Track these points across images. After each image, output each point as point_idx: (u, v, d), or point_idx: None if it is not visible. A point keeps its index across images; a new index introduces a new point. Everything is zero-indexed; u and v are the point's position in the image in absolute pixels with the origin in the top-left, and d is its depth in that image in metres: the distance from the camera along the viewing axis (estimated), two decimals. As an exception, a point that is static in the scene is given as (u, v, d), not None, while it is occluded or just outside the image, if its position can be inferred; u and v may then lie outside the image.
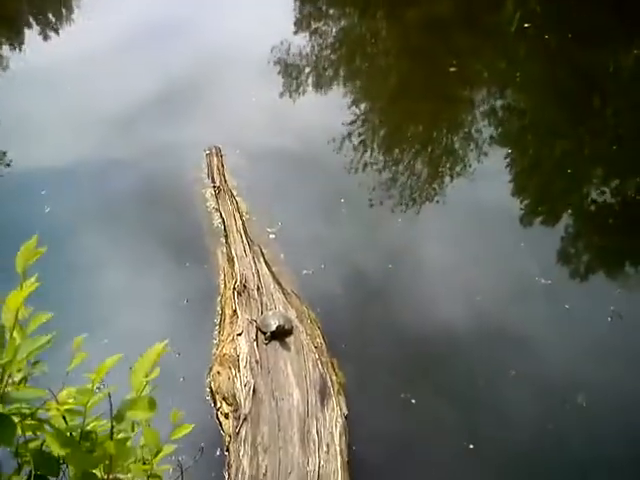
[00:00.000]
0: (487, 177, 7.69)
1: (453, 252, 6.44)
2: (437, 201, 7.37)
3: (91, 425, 1.35)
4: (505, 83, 10.45)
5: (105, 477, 1.35)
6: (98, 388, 1.39)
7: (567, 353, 5.31)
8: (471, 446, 4.50)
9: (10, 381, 1.37)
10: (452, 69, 10.04)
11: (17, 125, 8.19)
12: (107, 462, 1.33)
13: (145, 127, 8.32)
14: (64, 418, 1.32)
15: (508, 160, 8.29)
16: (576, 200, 7.67)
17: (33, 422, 1.47)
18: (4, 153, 7.62)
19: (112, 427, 1.30)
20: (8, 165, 7.48)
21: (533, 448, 4.56)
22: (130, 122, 8.37)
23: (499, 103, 9.86)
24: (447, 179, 7.83)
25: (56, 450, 1.31)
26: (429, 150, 8.70)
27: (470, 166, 7.98)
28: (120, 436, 1.32)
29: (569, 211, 7.38)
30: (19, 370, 1.50)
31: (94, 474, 1.33)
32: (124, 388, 1.42)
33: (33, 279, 1.14)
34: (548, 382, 5.01)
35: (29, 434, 1.50)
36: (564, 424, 4.71)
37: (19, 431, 1.47)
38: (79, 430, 1.32)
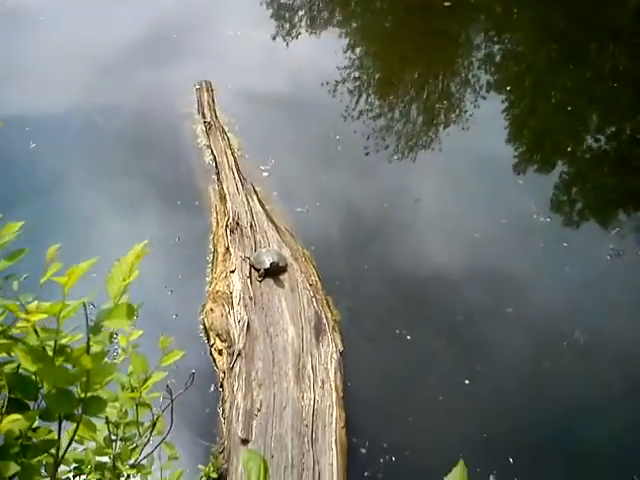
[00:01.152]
0: (485, 119, 7.53)
1: (451, 192, 6.31)
2: (435, 142, 7.20)
3: (66, 340, 1.24)
4: (501, 21, 10.17)
5: (82, 396, 1.24)
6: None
7: (565, 291, 5.25)
8: (467, 382, 4.46)
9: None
10: (446, 4, 9.75)
11: (4, 65, 7.94)
12: (84, 379, 1.21)
13: (134, 66, 8.08)
14: (35, 331, 1.20)
15: (506, 101, 8.09)
16: (575, 139, 7.50)
17: (5, 341, 1.36)
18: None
19: (88, 339, 1.18)
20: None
21: (529, 385, 4.52)
22: (119, 61, 8.14)
23: (495, 41, 9.61)
24: (445, 120, 7.65)
25: (27, 366, 1.19)
26: (425, 92, 8.47)
27: (467, 107, 7.80)
28: (98, 350, 1.20)
29: (568, 149, 7.24)
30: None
31: (70, 391, 1.22)
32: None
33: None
34: (546, 320, 4.95)
35: (3, 356, 1.39)
36: (561, 361, 4.67)
37: (-8, 352, 1.36)
38: (53, 344, 1.20)
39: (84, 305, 1.16)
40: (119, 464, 1.92)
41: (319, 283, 5.05)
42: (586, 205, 6.51)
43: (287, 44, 9.28)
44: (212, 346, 4.53)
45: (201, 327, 4.72)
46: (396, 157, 6.80)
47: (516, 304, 5.06)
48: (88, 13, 9.34)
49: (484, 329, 4.90)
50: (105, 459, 1.92)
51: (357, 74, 8.51)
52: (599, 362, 4.68)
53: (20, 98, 7.16)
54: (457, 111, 7.79)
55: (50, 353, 1.21)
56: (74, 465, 1.89)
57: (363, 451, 4.00)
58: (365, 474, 3.89)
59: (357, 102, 7.78)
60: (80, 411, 1.27)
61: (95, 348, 1.20)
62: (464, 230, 5.79)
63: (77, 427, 1.29)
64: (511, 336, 4.83)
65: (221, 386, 4.22)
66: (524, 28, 9.84)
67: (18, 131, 6.40)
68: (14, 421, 1.33)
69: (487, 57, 9.09)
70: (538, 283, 5.28)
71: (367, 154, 6.79)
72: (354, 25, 10.43)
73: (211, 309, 4.71)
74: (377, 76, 8.93)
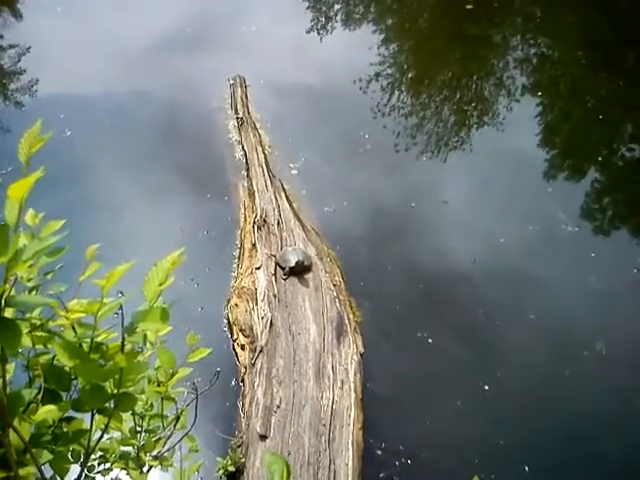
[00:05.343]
0: (515, 123, 7.47)
1: (478, 195, 6.30)
2: (465, 143, 7.18)
3: (102, 337, 1.30)
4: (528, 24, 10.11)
5: (115, 392, 1.30)
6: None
7: (590, 301, 5.23)
8: (486, 387, 4.47)
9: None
10: (468, 7, 9.72)
11: (42, 53, 8.12)
12: (117, 376, 1.27)
13: (168, 58, 8.17)
14: (73, 328, 1.26)
15: (537, 106, 8.01)
16: (607, 148, 7.41)
17: (43, 334, 1.42)
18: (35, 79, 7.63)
19: (123, 339, 1.24)
20: (34, 90, 7.47)
21: (548, 393, 4.52)
22: (152, 53, 8.23)
23: (530, 44, 9.54)
24: (475, 122, 7.64)
25: (65, 361, 1.25)
26: (457, 92, 8.45)
27: (498, 110, 7.76)
28: (131, 349, 1.26)
29: (599, 158, 7.16)
30: (29, 280, 1.44)
31: (103, 387, 1.28)
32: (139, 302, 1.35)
33: (39, 171, 1.04)
34: (568, 328, 4.93)
35: (40, 347, 1.46)
36: (581, 371, 4.66)
37: (30, 343, 1.43)
38: (89, 341, 1.26)
39: (120, 306, 1.21)
40: (142, 455, 1.99)
41: (343, 284, 5.09)
42: (616, 216, 6.45)
43: (321, 39, 9.32)
44: (235, 341, 4.60)
45: (225, 321, 4.80)
46: (425, 156, 6.82)
47: (539, 311, 5.06)
48: (129, 6, 9.49)
49: (506, 335, 4.90)
50: (129, 449, 1.98)
51: (389, 71, 8.52)
52: (619, 373, 4.66)
53: (54, 87, 7.33)
54: (488, 113, 7.77)
55: (86, 349, 1.27)
56: (99, 453, 1.97)
57: (379, 452, 4.04)
58: (380, 475, 3.94)
59: (389, 99, 7.79)
60: (112, 406, 1.33)
61: (129, 347, 1.26)
62: (490, 234, 5.79)
63: (109, 421, 1.35)
64: (532, 343, 4.84)
65: (242, 381, 4.29)
66: (551, 32, 9.72)
67: (53, 119, 6.54)
68: (49, 412, 1.40)
69: (518, 61, 9.01)
70: (563, 292, 5.26)
71: (397, 151, 6.82)
72: (387, 23, 10.43)
73: (236, 304, 4.78)
74: (410, 74, 8.93)
